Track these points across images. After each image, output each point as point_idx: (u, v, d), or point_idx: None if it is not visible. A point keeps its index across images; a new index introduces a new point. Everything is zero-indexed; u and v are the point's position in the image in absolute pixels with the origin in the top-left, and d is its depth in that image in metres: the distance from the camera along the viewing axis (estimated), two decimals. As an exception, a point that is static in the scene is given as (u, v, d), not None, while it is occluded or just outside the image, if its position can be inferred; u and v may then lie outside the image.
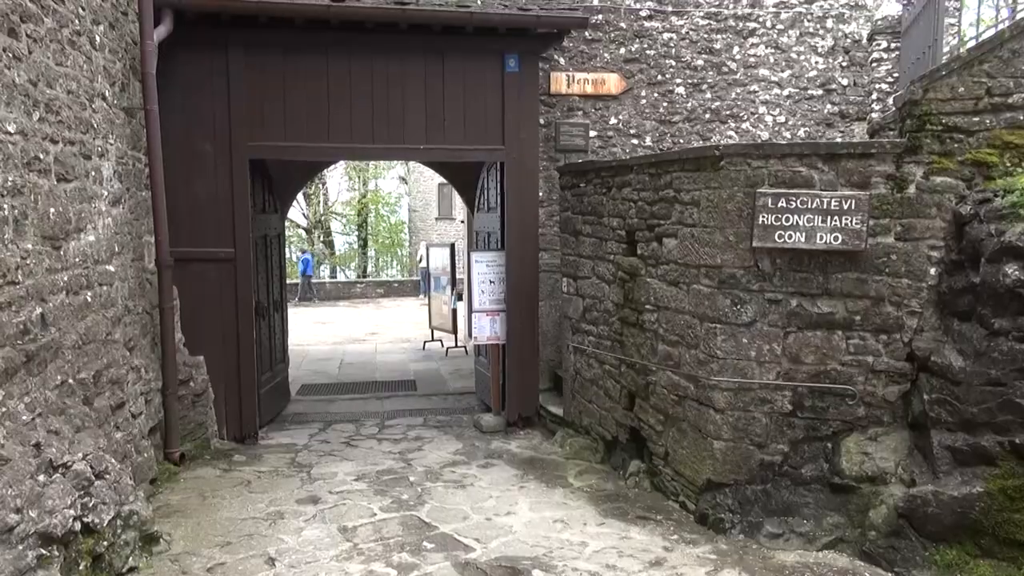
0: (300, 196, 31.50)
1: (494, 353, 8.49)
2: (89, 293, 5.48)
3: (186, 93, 7.54)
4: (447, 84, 7.96)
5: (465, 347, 13.16)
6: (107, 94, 6.09)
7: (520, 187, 8.14)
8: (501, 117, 8.06)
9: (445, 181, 29.75)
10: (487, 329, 8.44)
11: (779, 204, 4.97)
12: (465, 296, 13.72)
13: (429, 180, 29.57)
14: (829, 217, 4.92)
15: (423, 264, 23.68)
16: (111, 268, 5.98)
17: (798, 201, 4.95)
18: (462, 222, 14.19)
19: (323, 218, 32.60)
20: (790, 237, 4.98)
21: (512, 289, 8.21)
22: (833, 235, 4.92)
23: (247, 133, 7.66)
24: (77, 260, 5.34)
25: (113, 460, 4.97)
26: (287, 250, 34.06)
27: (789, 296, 5.10)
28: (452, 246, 13.34)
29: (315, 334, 16.31)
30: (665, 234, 5.78)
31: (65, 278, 5.10)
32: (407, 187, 33.49)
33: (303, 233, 32.46)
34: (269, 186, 8.96)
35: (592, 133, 9.30)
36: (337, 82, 7.80)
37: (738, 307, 5.15)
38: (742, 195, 5.09)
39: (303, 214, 31.89)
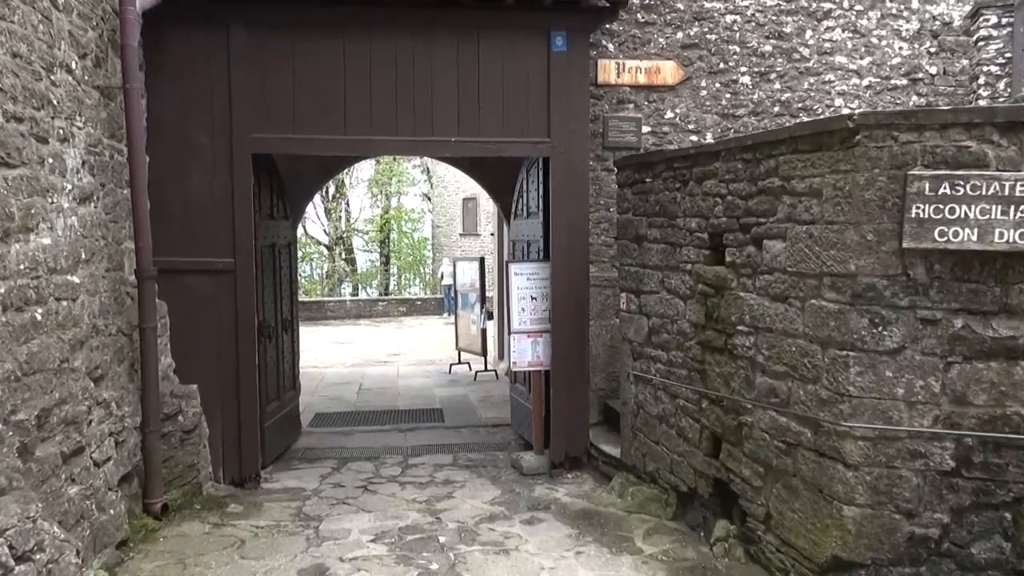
0: (321, 212, 30.51)
1: (536, 381, 7.18)
2: (39, 310, 4.27)
3: (179, 77, 6.38)
4: (483, 66, 6.74)
5: (495, 371, 11.86)
6: (74, 66, 4.92)
7: (568, 187, 6.87)
8: (546, 105, 6.81)
9: (470, 196, 28.62)
10: (528, 353, 7.14)
11: (940, 191, 3.65)
12: (497, 314, 12.46)
13: (453, 195, 28.43)
14: (1012, 207, 3.59)
15: (445, 281, 22.45)
16: (74, 279, 4.77)
17: (967, 186, 3.63)
18: (492, 234, 12.97)
19: (345, 235, 31.55)
20: (956, 235, 3.66)
21: (558, 306, 6.92)
22: (1019, 231, 3.59)
23: (250, 124, 6.47)
24: (22, 268, 4.14)
25: (56, 529, 3.72)
26: (306, 265, 33.14)
27: (952, 314, 3.77)
28: (481, 260, 12.09)
29: (333, 355, 15.08)
30: (767, 235, 4.47)
31: (1, 290, 3.89)
32: (430, 204, 32.40)
33: (324, 250, 31.41)
34: (278, 188, 7.77)
35: (645, 129, 8.03)
36: (355, 65, 6.60)
37: (879, 329, 3.83)
38: (885, 179, 3.78)
39: (324, 230, 30.85)
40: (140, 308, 5.55)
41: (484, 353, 11.93)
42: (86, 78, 5.12)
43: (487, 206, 27.00)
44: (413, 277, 31.96)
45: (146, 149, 6.28)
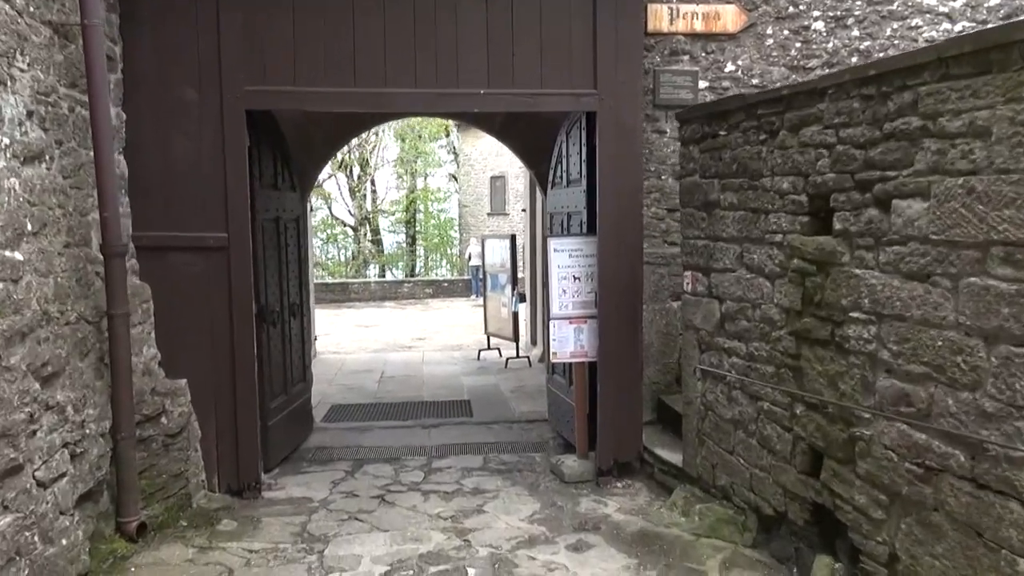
0: (346, 192, 29.60)
1: (579, 374, 6.12)
2: (-45, 294, 3.28)
3: (159, 21, 5.36)
4: (518, 5, 5.63)
5: (528, 358, 10.82)
6: (11, -9, 3.91)
7: (618, 147, 5.76)
8: (592, 51, 5.69)
9: (498, 174, 27.47)
10: (570, 342, 6.07)
11: None
12: (530, 297, 11.42)
13: (480, 174, 27.34)
14: None
15: (473, 262, 21.43)
16: (15, 255, 3.79)
17: None
18: (523, 210, 11.89)
19: (371, 215, 30.62)
20: None
21: (606, 287, 5.83)
22: None
23: (243, 75, 5.44)
24: (-70, 240, 3.15)
25: (-38, 583, 2.75)
26: (332, 247, 32.30)
27: None
28: (512, 238, 11.01)
29: (356, 339, 14.15)
30: (899, 193, 3.34)
31: None
32: (457, 184, 31.34)
33: (350, 231, 30.53)
34: (283, 155, 6.74)
35: (702, 84, 6.86)
36: (366, 5, 5.53)
37: (1081, 318, 2.71)
38: (1096, 108, 2.64)
39: (349, 211, 29.95)
40: (108, 291, 4.57)
41: (516, 338, 10.88)
42: (31, 9, 4.11)
43: (515, 185, 25.86)
44: (439, 258, 30.99)
45: (123, 105, 5.34)
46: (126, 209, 5.33)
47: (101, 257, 4.68)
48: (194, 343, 5.51)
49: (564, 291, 6.09)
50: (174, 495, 5.10)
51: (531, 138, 7.47)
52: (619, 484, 5.81)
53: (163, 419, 5.09)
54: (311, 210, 11.71)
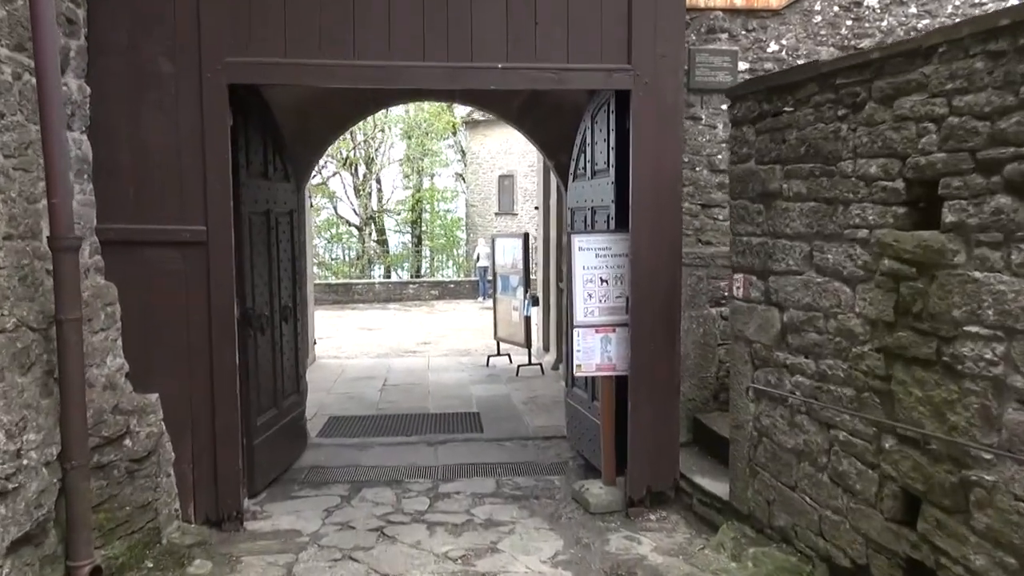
0: (351, 190, 28.88)
1: (607, 390, 5.36)
2: None
3: (130, -20, 4.64)
4: (541, -34, 4.90)
5: (540, 365, 10.08)
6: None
7: (656, 131, 5.01)
8: (627, 20, 4.94)
9: (506, 173, 26.73)
10: (596, 353, 5.32)
11: None
12: (543, 299, 10.67)
13: (488, 173, 26.62)
14: None
15: (481, 263, 20.68)
16: (-68, 248, 3.05)
17: None
18: (536, 208, 11.14)
19: (376, 215, 29.88)
20: None
21: (640, 291, 5.08)
22: None
23: (225, 45, 4.71)
24: None
25: None
26: (337, 248, 31.54)
27: None
28: (525, 237, 10.26)
29: (358, 343, 13.42)
30: (1044, 175, 2.59)
31: None
32: (464, 184, 30.59)
33: (354, 231, 29.79)
34: (275, 141, 6.01)
35: (742, 65, 6.14)
36: (368, -34, 4.80)
37: None
38: None
39: (354, 210, 29.21)
40: (57, 292, 3.83)
41: (528, 344, 10.13)
42: (-39, -50, 3.39)
43: (524, 183, 25.12)
44: (445, 259, 30.22)
45: (87, 77, 4.60)
46: (89, 197, 4.60)
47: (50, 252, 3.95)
48: (168, 352, 4.78)
49: (590, 295, 5.34)
50: (140, 530, 4.36)
51: (551, 125, 6.72)
52: (653, 517, 5.06)
53: (127, 441, 4.35)
54: (311, 206, 10.97)
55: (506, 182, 25.30)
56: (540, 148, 6.73)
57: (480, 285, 20.91)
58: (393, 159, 31.36)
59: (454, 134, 32.16)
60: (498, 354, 10.84)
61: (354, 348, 12.82)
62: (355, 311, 18.77)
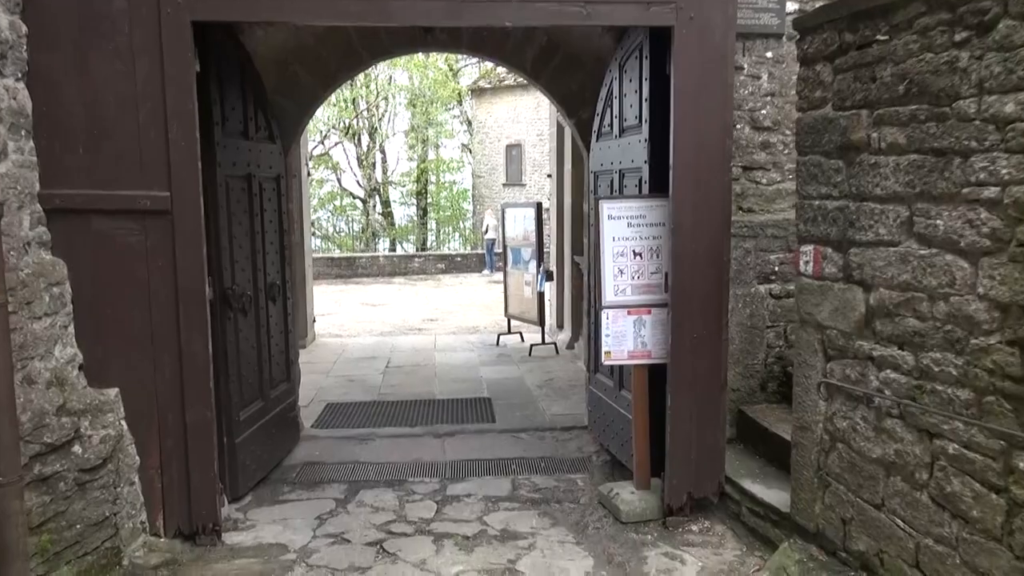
0: (354, 161, 28.03)
1: (639, 380, 4.61)
2: None
3: None
4: None
5: (555, 344, 9.35)
6: None
7: (702, 77, 4.20)
8: (666, -60, 4.12)
9: (514, 142, 25.80)
10: (628, 338, 4.57)
11: None
12: (557, 274, 9.89)
13: (495, 142, 25.72)
14: None
15: (488, 235, 19.90)
16: None
17: None
18: (548, 176, 10.32)
19: (380, 187, 29.03)
20: None
21: (682, 265, 4.30)
22: None
23: (190, -27, 3.92)
24: None
25: None
26: (342, 223, 30.72)
27: None
28: (538, 207, 9.47)
29: (361, 320, 12.71)
30: None
31: None
32: (470, 155, 29.66)
33: (359, 204, 28.97)
34: (257, 96, 5.23)
35: (791, 6, 5.35)
36: None
37: None
38: None
39: (357, 182, 28.39)
40: (-26, 271, 3.09)
41: (541, 322, 9.40)
42: None
43: (533, 153, 24.23)
44: (452, 231, 29.40)
45: (22, 14, 3.82)
46: (28, 157, 3.84)
47: (-28, 221, 3.21)
48: (128, 339, 4.05)
49: (620, 271, 4.57)
50: (95, 551, 3.67)
51: (571, 77, 5.91)
52: (695, 528, 4.35)
53: (77, 447, 3.64)
54: (309, 176, 10.21)
55: (514, 152, 24.42)
56: (558, 104, 5.92)
57: (487, 258, 20.15)
58: (398, 130, 30.50)
59: (459, 104, 31.19)
60: (509, 332, 10.13)
61: (356, 325, 12.11)
62: (359, 286, 18.05)
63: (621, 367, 4.99)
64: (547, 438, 6.06)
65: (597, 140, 5.67)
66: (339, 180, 29.28)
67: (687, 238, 4.25)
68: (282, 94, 5.78)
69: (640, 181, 4.90)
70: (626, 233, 4.57)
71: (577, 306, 9.44)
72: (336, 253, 22.30)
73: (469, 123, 30.97)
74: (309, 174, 10.18)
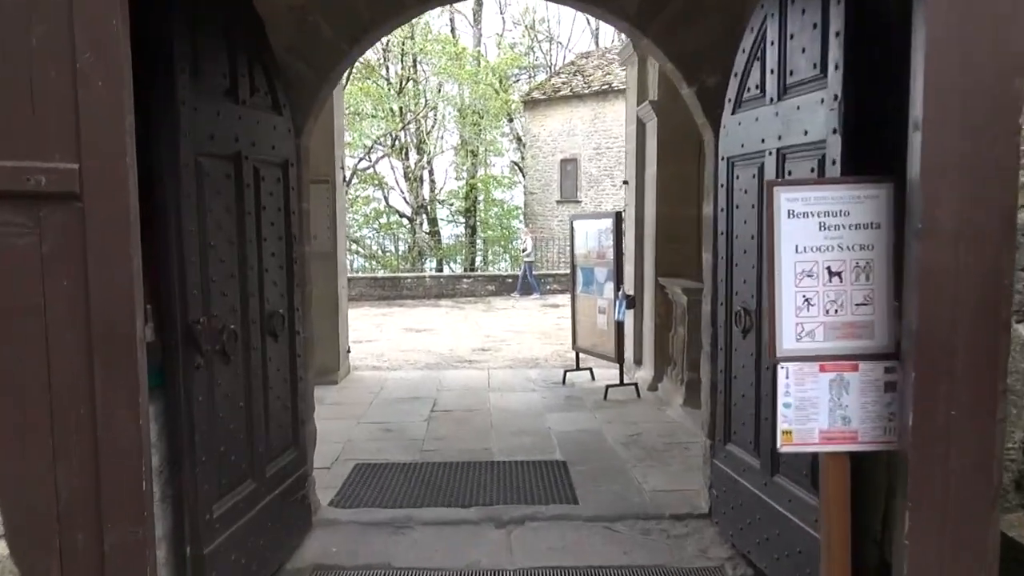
0: (401, 177, 26.69)
1: (836, 479, 2.82)
2: None
3: None
4: None
5: (636, 385, 7.56)
6: None
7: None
8: None
9: (569, 157, 24.08)
10: (822, 410, 2.78)
11: None
12: (642, 300, 8.01)
13: (549, 156, 24.13)
14: None
15: (529, 257, 18.19)
16: None
17: None
18: (624, 182, 8.57)
19: (428, 204, 27.63)
20: None
21: (934, 293, 2.52)
22: None
23: None
24: None
25: None
26: (388, 242, 29.25)
27: None
28: (617, 216, 7.72)
29: (404, 349, 11.10)
30: None
31: None
32: (521, 173, 28.10)
33: (405, 222, 27.60)
34: (249, 45, 3.62)
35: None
36: None
37: None
38: None
39: (404, 199, 27.03)
40: None
41: (620, 359, 7.63)
42: None
43: (589, 168, 22.56)
44: (501, 251, 27.81)
45: None
46: None
47: None
48: (9, 411, 2.44)
49: (807, 301, 2.81)
50: None
51: (691, 29, 4.20)
52: None
53: None
54: (345, 180, 8.69)
55: (568, 167, 22.79)
56: (675, 63, 4.23)
57: (521, 281, 18.42)
58: (446, 147, 29.15)
59: (510, 120, 29.75)
60: (577, 368, 8.38)
61: (398, 356, 10.49)
62: (402, 308, 16.52)
63: (804, 459, 3.20)
64: (653, 532, 4.28)
65: (735, 111, 3.92)
66: (386, 198, 28.00)
67: (946, 247, 2.46)
68: (297, 54, 4.18)
69: (819, 164, 3.15)
70: (817, 240, 2.80)
71: (662, 338, 7.67)
72: (380, 273, 20.83)
73: (519, 140, 29.49)
74: (346, 179, 8.59)
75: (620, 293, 7.42)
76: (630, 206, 8.46)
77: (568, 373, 8.31)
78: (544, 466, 5.42)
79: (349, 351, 8.85)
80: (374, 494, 4.88)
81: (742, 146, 3.82)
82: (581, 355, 8.46)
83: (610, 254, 7.67)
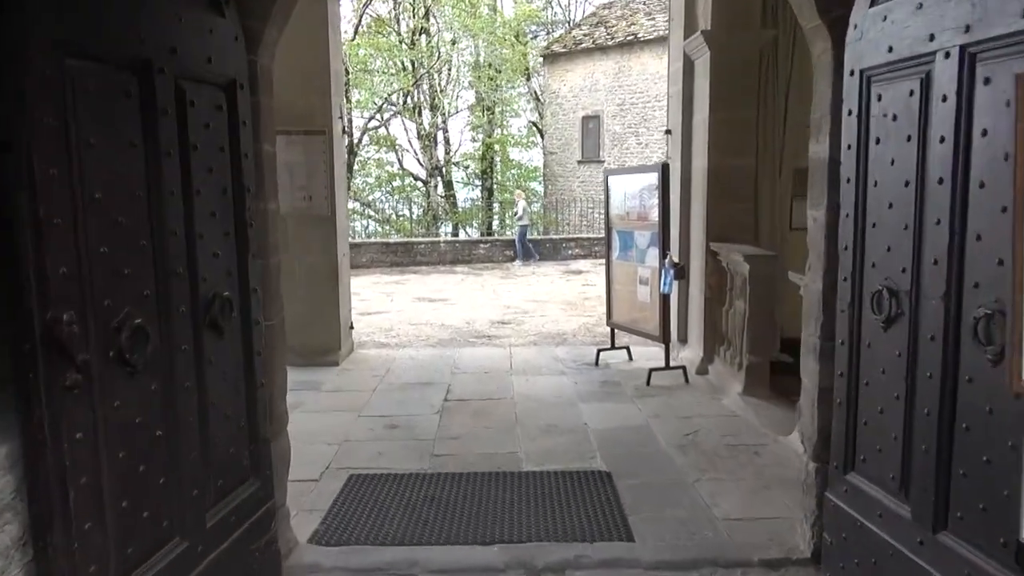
0: (414, 138, 25.38)
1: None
2: None
3: None
4: None
5: (684, 369, 6.41)
6: None
7: None
8: None
9: (591, 113, 22.56)
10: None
11: None
12: (688, 269, 6.75)
13: (569, 114, 22.70)
14: None
15: (523, 221, 16.90)
16: None
17: None
18: (667, 132, 7.28)
19: (443, 167, 26.33)
20: None
21: None
22: None
23: None
24: None
25: None
26: (404, 206, 27.93)
27: None
28: (664, 169, 6.46)
29: (415, 321, 9.99)
30: None
31: None
32: (539, 135, 26.68)
33: (419, 184, 26.35)
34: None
35: None
36: None
37: None
38: None
39: (418, 160, 25.74)
40: None
41: (665, 338, 6.46)
42: None
43: (612, 125, 21.14)
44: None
45: None
46: None
47: None
48: None
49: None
50: None
51: None
52: None
53: None
54: (344, 133, 7.54)
55: (590, 124, 21.39)
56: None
57: (517, 248, 17.14)
58: (461, 107, 27.72)
59: (527, 79, 28.22)
60: (612, 347, 7.23)
61: (409, 330, 9.39)
62: (417, 275, 15.40)
63: (946, 483, 2.06)
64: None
65: (876, 1, 2.68)
66: (400, 160, 26.72)
67: None
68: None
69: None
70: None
71: (713, 313, 6.49)
72: (393, 238, 19.69)
73: (537, 99, 28.01)
74: (345, 130, 7.41)
75: (667, 261, 6.22)
76: (674, 159, 7.20)
77: (601, 352, 7.15)
78: (584, 479, 4.29)
79: (352, 327, 7.75)
80: (370, 521, 3.78)
81: (890, 50, 2.58)
82: (616, 331, 7.31)
83: (654, 215, 6.45)
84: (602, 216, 19.16)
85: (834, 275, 3.01)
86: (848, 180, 2.84)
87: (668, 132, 7.49)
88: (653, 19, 20.31)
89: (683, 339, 7.21)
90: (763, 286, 5.72)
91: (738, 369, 5.99)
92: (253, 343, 2.92)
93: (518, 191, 20.80)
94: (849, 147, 2.83)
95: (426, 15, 22.43)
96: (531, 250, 17.19)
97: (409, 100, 23.99)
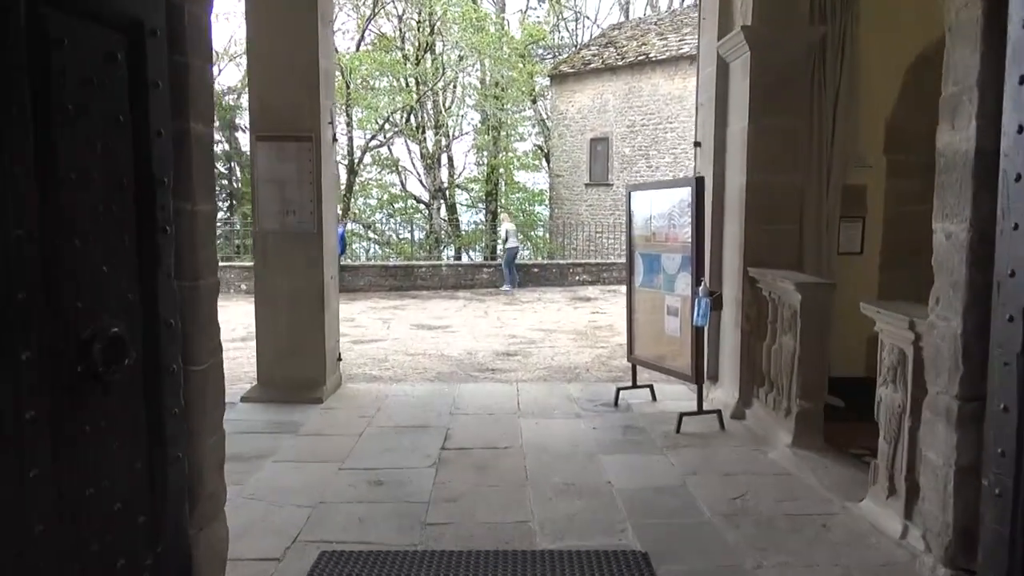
0: (418, 159, 24.65)
1: None
2: None
3: None
4: None
5: (719, 414, 5.50)
6: None
7: None
8: None
9: (600, 135, 21.83)
10: None
11: None
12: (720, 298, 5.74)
13: (577, 136, 21.96)
14: None
15: (510, 243, 16.03)
16: None
17: None
18: (697, 144, 6.38)
19: (446, 189, 25.56)
20: None
21: None
22: None
23: None
24: None
25: None
26: (405, 230, 27.12)
27: None
28: (699, 183, 5.58)
29: (412, 351, 9.09)
30: None
31: None
32: (544, 159, 25.96)
33: (422, 207, 25.56)
34: None
35: None
36: None
37: None
38: None
39: (421, 182, 24.99)
40: None
41: (698, 378, 5.54)
42: None
43: (622, 148, 20.37)
44: (524, 239, 25.69)
45: None
46: None
47: None
48: None
49: None
50: None
51: None
52: None
53: None
54: (334, 139, 6.73)
55: (599, 147, 20.63)
56: None
57: (505, 272, 16.23)
58: (466, 129, 27.04)
59: (533, 102, 27.58)
60: (634, 386, 6.32)
61: (405, 361, 8.49)
62: (416, 301, 14.53)
63: None
64: None
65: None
66: (402, 182, 25.96)
67: None
68: None
69: None
70: None
71: (752, 349, 5.61)
72: (392, 261, 18.84)
73: (543, 123, 27.35)
74: (335, 138, 6.58)
75: (702, 288, 5.33)
76: (704, 175, 6.35)
77: (622, 391, 6.25)
78: (615, 562, 3.38)
79: (339, 359, 6.86)
80: (339, 626, 2.87)
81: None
82: (639, 368, 6.41)
83: (685, 235, 5.58)
84: (611, 241, 18.36)
85: (980, 312, 2.13)
86: (1019, 177, 1.98)
87: (698, 144, 6.65)
88: (665, 39, 19.66)
89: (713, 377, 6.31)
90: (817, 320, 4.84)
91: (785, 416, 5.10)
92: (163, 398, 2.04)
93: (503, 213, 20.01)
94: (1021, 130, 1.97)
95: (432, 32, 21.79)
96: (513, 276, 16.25)
97: (412, 120, 23.28)
